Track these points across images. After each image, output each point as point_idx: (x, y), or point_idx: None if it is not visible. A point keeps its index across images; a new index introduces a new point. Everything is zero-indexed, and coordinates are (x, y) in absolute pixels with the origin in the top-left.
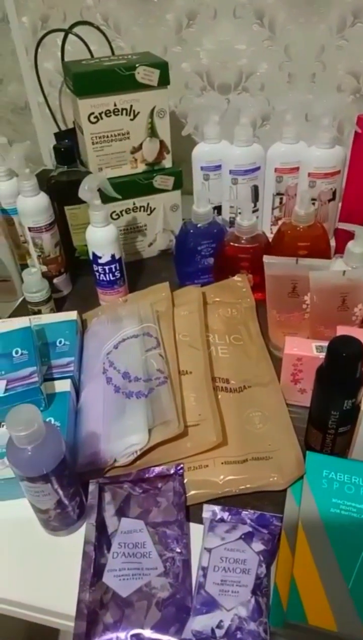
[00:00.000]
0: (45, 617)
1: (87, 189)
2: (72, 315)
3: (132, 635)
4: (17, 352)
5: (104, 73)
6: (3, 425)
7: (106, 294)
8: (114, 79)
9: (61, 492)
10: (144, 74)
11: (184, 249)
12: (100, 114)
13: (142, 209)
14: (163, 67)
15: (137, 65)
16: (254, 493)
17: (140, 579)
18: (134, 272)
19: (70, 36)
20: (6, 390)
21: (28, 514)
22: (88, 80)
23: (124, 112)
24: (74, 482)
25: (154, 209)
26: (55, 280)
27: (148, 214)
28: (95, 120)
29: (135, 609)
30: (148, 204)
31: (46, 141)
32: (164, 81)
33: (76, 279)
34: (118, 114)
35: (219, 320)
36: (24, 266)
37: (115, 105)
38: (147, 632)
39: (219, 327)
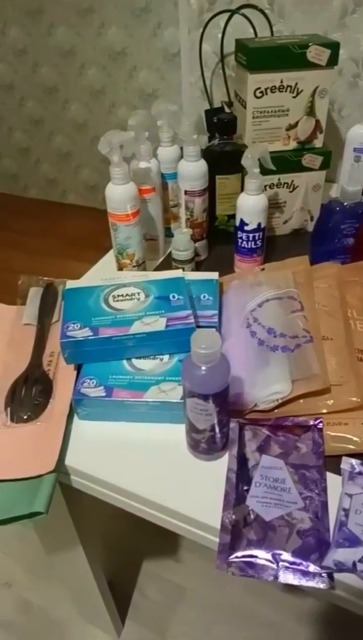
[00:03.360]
0: (188, 526)
1: (249, 157)
2: (214, 275)
3: (274, 554)
4: (173, 297)
5: (278, 49)
6: (156, 358)
7: (244, 262)
8: (287, 56)
9: (217, 417)
10: (315, 52)
11: (326, 227)
12: (266, 89)
13: (285, 185)
14: (334, 48)
15: (310, 44)
16: None
17: (281, 509)
18: (266, 247)
19: (231, 19)
20: (167, 326)
21: (176, 437)
22: (262, 56)
23: (289, 89)
24: (227, 412)
25: (297, 186)
26: (196, 244)
27: (290, 191)
28: (260, 95)
29: (277, 533)
30: (292, 181)
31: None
32: (332, 62)
33: (212, 247)
34: (283, 91)
35: (357, 299)
36: (167, 230)
37: (281, 82)
38: (288, 555)
39: (357, 304)
